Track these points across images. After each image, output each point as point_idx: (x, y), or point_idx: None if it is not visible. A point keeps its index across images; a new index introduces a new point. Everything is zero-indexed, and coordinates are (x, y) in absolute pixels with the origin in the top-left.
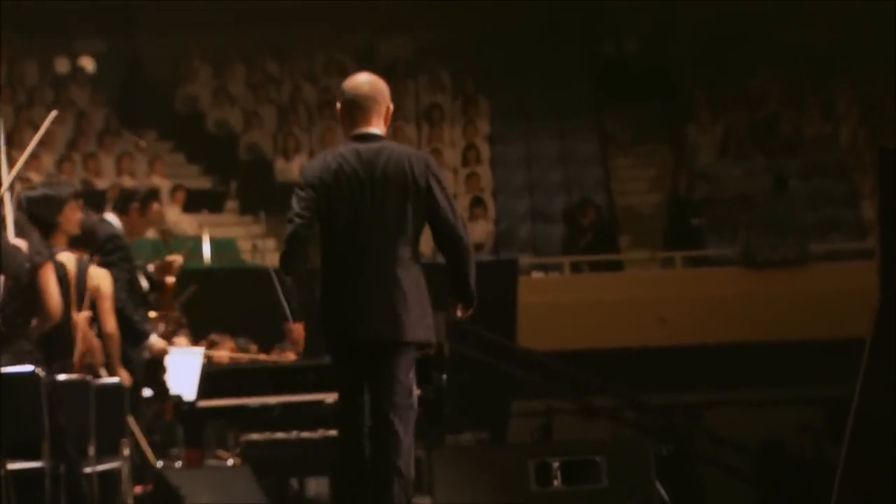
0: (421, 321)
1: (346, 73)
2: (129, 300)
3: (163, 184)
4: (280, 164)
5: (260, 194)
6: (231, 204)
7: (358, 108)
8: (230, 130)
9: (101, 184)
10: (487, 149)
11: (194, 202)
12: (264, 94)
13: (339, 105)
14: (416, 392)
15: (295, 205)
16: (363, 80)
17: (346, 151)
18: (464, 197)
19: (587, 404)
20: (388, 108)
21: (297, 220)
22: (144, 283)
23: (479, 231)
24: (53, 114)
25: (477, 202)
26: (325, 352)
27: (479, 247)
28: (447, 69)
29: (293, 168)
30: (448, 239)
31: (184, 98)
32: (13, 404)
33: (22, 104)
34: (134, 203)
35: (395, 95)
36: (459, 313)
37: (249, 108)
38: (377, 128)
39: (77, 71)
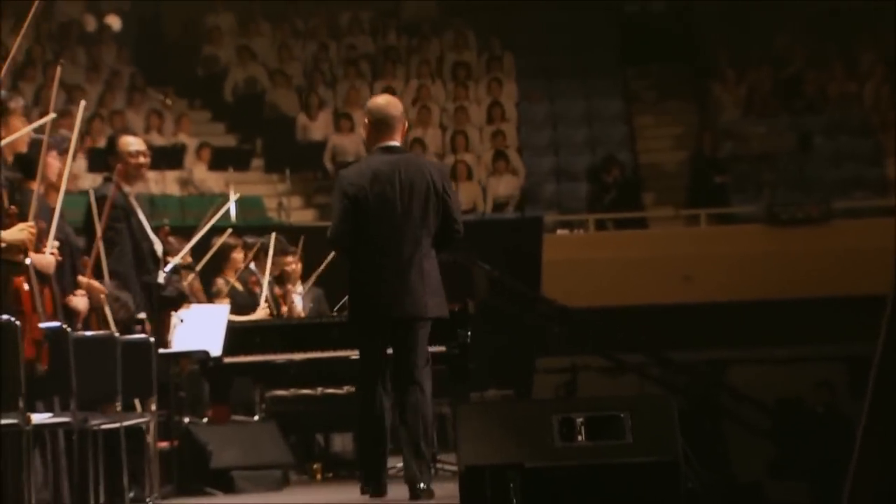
0: (438, 300)
1: (370, 32)
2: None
3: (189, 142)
4: (303, 121)
5: (285, 152)
6: (257, 162)
7: (385, 125)
8: (254, 89)
9: None
10: (513, 107)
11: (220, 160)
12: (288, 53)
13: (366, 121)
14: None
15: (336, 213)
16: (389, 101)
17: (377, 161)
18: (487, 154)
19: (612, 361)
20: (404, 123)
21: (338, 235)
22: (159, 247)
23: (503, 185)
24: (52, 115)
25: (499, 155)
26: (352, 324)
27: (504, 203)
28: (472, 28)
29: (316, 127)
30: (450, 233)
31: (207, 57)
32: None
33: (50, 61)
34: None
35: (420, 54)
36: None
37: (273, 67)
38: (398, 141)
39: (104, 29)
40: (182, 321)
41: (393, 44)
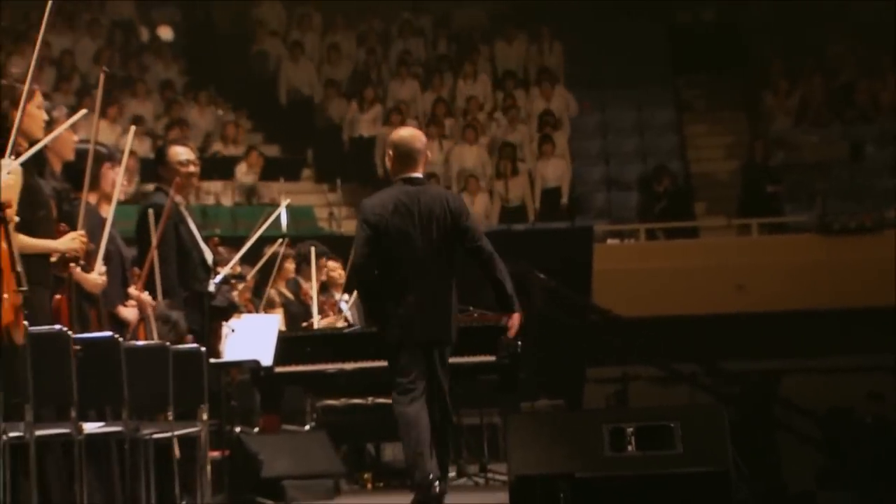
0: (454, 324)
1: (422, 36)
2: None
3: (241, 152)
4: (352, 115)
5: (335, 162)
6: (307, 172)
7: (409, 157)
8: (303, 95)
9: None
10: (564, 119)
11: (271, 170)
12: (338, 58)
13: (390, 153)
14: None
15: (358, 241)
16: (413, 135)
17: (400, 192)
18: (532, 160)
19: (664, 371)
20: (427, 156)
21: (361, 259)
22: (209, 257)
23: (551, 169)
24: (84, 111)
25: (546, 139)
26: (383, 348)
27: (554, 189)
28: (523, 37)
29: (366, 120)
30: (473, 250)
31: (258, 54)
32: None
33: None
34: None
35: (471, 61)
36: (511, 329)
37: (325, 74)
38: (421, 172)
39: (155, 39)
40: (233, 331)
41: (444, 52)
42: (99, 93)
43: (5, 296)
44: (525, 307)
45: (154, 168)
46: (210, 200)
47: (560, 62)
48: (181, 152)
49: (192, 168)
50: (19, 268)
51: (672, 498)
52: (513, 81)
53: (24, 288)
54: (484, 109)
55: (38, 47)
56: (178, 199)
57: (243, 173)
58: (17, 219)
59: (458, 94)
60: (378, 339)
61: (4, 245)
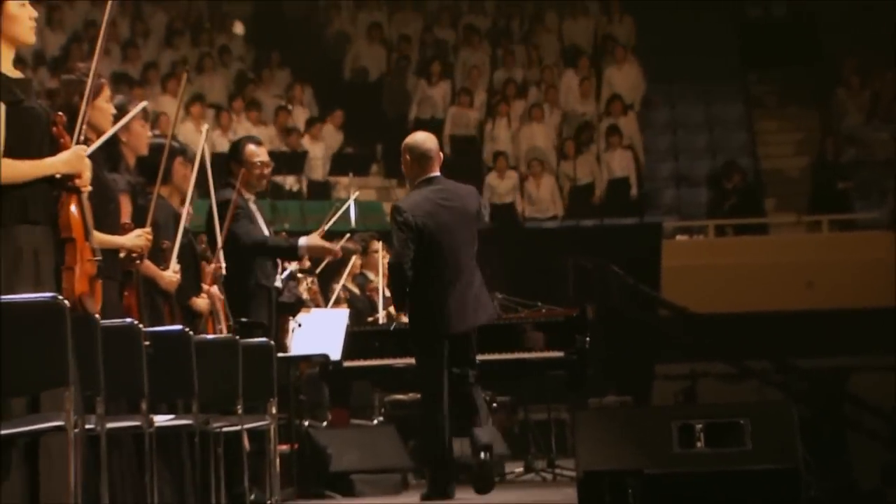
0: (484, 309)
1: (487, 13)
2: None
3: (311, 146)
4: (420, 93)
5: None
6: (376, 167)
7: (426, 158)
8: (372, 81)
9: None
10: (636, 98)
11: (340, 165)
12: (406, 36)
13: (407, 157)
14: None
15: (398, 241)
16: (427, 137)
17: (431, 192)
18: (601, 140)
19: (735, 367)
20: (440, 155)
21: (401, 259)
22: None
23: (617, 159)
24: (144, 103)
25: (613, 130)
26: (421, 341)
27: (622, 179)
28: (594, 11)
29: (434, 96)
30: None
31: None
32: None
33: (167, 74)
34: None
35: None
36: None
37: (394, 54)
38: (438, 171)
39: (229, 35)
40: (300, 325)
41: (513, 29)
42: (181, 90)
43: (78, 265)
44: (600, 303)
45: (227, 163)
46: (278, 195)
47: (631, 36)
48: (257, 152)
49: (266, 170)
50: (93, 239)
51: (741, 495)
52: (584, 57)
53: (99, 258)
54: (553, 86)
55: (100, 45)
56: (248, 194)
57: (313, 168)
58: (89, 188)
59: (528, 70)
60: (417, 332)
61: (78, 215)
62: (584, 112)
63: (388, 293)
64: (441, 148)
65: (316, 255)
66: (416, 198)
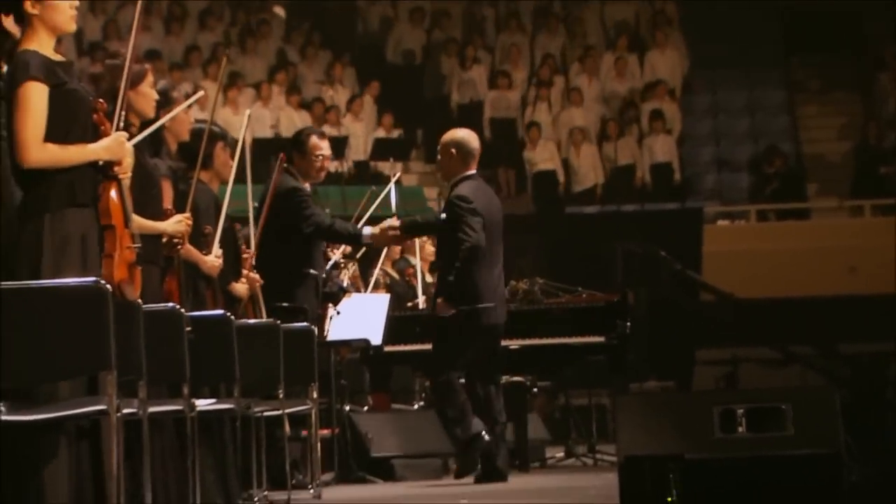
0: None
1: None
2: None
3: (353, 129)
4: (458, 78)
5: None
6: (416, 152)
7: (472, 156)
8: (414, 63)
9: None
10: (677, 80)
11: (381, 150)
12: (447, 17)
13: (452, 151)
14: None
15: (475, 227)
16: (472, 135)
17: (480, 185)
18: (647, 137)
19: (779, 352)
20: None
21: (480, 242)
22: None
23: (660, 144)
24: (201, 92)
25: (657, 115)
26: (469, 332)
27: (664, 164)
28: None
29: (472, 79)
30: None
31: (372, 32)
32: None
33: (208, 59)
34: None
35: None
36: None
37: (434, 36)
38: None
39: (271, 18)
40: (338, 314)
41: (555, 9)
42: (221, 73)
43: (117, 252)
44: (650, 288)
45: (288, 152)
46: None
47: (674, 20)
48: (321, 145)
49: (326, 163)
50: (133, 226)
51: (783, 480)
52: (626, 38)
53: (138, 244)
54: (593, 68)
55: (135, 30)
56: (306, 185)
57: (354, 153)
58: (129, 174)
59: (568, 51)
60: (465, 318)
61: (118, 202)
62: (624, 95)
63: (428, 278)
64: (481, 131)
65: (382, 245)
66: (474, 187)
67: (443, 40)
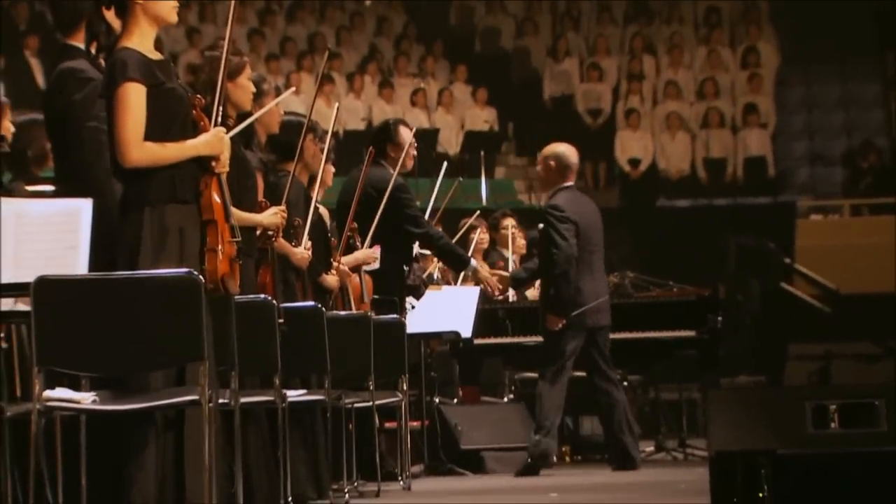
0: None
1: None
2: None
3: (450, 120)
4: (549, 70)
5: (536, 135)
6: (507, 146)
7: (570, 170)
8: (503, 50)
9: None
10: (770, 86)
11: (473, 143)
12: (539, 9)
13: (552, 164)
14: None
15: (567, 234)
16: (573, 151)
17: (577, 195)
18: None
19: (866, 348)
20: None
21: (571, 249)
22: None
23: (754, 138)
24: (292, 89)
25: (751, 109)
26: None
27: (758, 158)
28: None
29: (564, 71)
30: None
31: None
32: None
33: (304, 51)
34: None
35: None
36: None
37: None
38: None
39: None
40: (413, 308)
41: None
42: (321, 70)
43: (220, 247)
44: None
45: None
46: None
47: (767, 14)
48: (410, 136)
49: (413, 151)
50: (233, 220)
51: (875, 476)
52: (718, 30)
53: (238, 238)
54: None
55: (230, 24)
56: (399, 178)
57: (446, 145)
58: (227, 169)
59: (660, 44)
60: (570, 323)
61: (218, 197)
62: (717, 89)
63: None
64: (573, 123)
65: (478, 282)
66: (569, 197)
67: (534, 32)
